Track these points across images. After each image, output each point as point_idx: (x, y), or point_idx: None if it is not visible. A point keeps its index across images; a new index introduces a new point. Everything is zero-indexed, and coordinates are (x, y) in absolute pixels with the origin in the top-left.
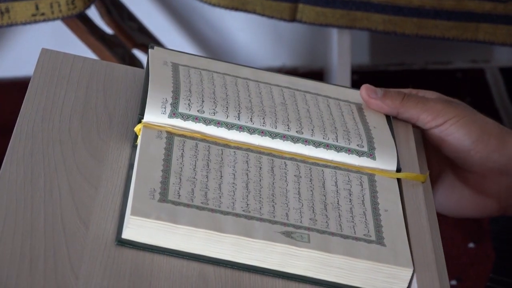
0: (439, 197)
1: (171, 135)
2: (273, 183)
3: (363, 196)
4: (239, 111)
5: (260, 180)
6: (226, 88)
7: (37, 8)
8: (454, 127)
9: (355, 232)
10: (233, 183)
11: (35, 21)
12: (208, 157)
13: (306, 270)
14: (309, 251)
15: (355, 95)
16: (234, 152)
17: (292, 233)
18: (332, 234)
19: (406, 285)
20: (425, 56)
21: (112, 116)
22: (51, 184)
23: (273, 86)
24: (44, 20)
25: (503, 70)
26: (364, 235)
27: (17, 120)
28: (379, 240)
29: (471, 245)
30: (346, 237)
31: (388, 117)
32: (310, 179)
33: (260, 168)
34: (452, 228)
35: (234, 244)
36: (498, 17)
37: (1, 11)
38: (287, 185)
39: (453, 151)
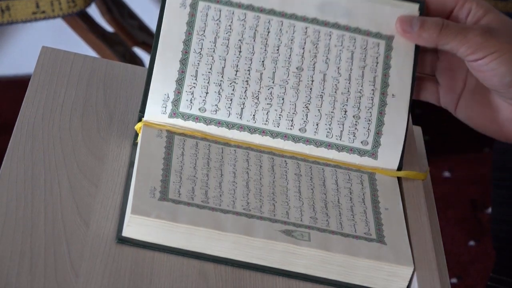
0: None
1: (171, 134)
2: (273, 182)
3: (363, 194)
4: (241, 111)
5: (260, 179)
6: (233, 88)
7: (37, 6)
8: (495, 62)
9: (355, 231)
10: (234, 181)
11: (36, 19)
12: (209, 156)
13: (307, 268)
14: (310, 250)
15: (391, 22)
16: (235, 150)
17: (292, 232)
18: (333, 232)
19: (407, 283)
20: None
21: (112, 114)
22: (51, 182)
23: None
24: (44, 18)
25: None
26: (364, 233)
27: (18, 118)
28: (380, 239)
29: (471, 243)
30: (346, 235)
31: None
32: (311, 177)
33: (261, 166)
34: (452, 226)
35: (234, 242)
36: None
37: (2, 9)
38: (288, 183)
39: (493, 85)
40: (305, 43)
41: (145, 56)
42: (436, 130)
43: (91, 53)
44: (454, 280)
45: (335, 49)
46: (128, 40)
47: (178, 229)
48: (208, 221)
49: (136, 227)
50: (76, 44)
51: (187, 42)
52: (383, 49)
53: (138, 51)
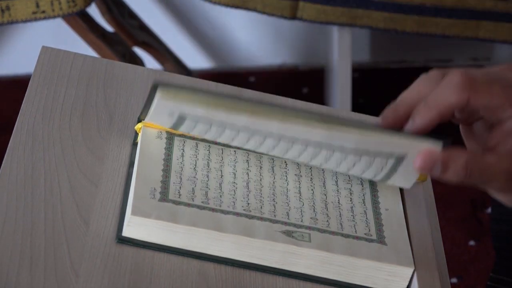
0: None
1: (171, 135)
2: (273, 182)
3: (363, 195)
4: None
5: (260, 180)
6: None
7: (37, 6)
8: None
9: (356, 231)
10: (234, 182)
11: (36, 19)
12: (209, 157)
13: (307, 268)
14: (310, 250)
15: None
16: (235, 151)
17: (293, 232)
18: (333, 233)
19: (407, 283)
20: (425, 54)
21: (112, 114)
22: (51, 182)
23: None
24: (44, 18)
25: None
26: (365, 234)
27: (18, 118)
28: (380, 239)
29: (471, 243)
30: (347, 236)
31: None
32: (311, 178)
33: (261, 167)
34: (452, 226)
35: (234, 243)
36: (499, 14)
37: (2, 8)
38: (288, 184)
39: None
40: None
41: (145, 56)
42: (436, 130)
43: (91, 53)
44: (454, 280)
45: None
46: (128, 40)
47: (178, 230)
48: (208, 221)
49: (136, 227)
50: (76, 44)
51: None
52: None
53: (138, 51)
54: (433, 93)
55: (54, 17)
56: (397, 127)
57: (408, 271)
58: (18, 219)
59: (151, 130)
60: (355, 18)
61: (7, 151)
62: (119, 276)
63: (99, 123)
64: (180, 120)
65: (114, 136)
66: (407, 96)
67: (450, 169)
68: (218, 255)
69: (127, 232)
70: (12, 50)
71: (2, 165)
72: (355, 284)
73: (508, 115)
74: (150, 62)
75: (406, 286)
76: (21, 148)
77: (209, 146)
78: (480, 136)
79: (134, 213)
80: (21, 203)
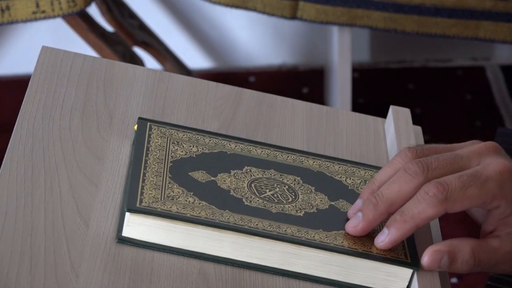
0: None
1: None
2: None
3: None
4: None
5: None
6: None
7: (37, 5)
8: None
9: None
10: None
11: (36, 19)
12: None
13: (307, 268)
14: (310, 250)
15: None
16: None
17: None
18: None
19: (406, 283)
20: (425, 53)
21: (112, 113)
22: (51, 182)
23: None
24: (44, 18)
25: (504, 67)
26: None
27: (18, 118)
28: None
29: None
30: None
31: None
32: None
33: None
34: (452, 226)
35: (234, 242)
36: (498, 14)
37: (2, 8)
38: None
39: None
40: None
41: (145, 56)
42: (436, 130)
43: (91, 52)
44: (454, 280)
45: None
46: (128, 39)
47: (177, 229)
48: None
49: (135, 227)
50: (76, 44)
51: None
52: None
53: (138, 51)
54: (409, 204)
55: (54, 17)
56: (376, 224)
57: (408, 271)
58: (18, 219)
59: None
60: (355, 18)
61: (7, 151)
62: (119, 276)
63: (99, 123)
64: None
65: (114, 136)
66: (381, 179)
67: (458, 260)
68: (217, 255)
69: (126, 231)
70: (12, 50)
71: (2, 165)
72: (354, 284)
73: (494, 206)
74: (150, 62)
75: (405, 286)
76: (21, 148)
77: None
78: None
79: (132, 212)
80: (21, 203)
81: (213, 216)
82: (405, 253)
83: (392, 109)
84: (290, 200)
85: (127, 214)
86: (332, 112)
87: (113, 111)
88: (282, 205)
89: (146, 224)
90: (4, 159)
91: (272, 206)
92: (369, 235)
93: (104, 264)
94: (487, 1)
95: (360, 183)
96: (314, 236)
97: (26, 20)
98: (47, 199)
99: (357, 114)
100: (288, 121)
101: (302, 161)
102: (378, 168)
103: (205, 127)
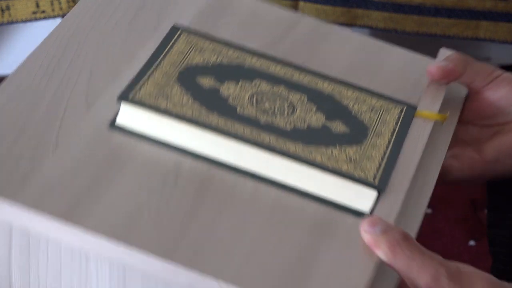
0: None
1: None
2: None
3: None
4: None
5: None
6: None
7: (37, 5)
8: None
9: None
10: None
11: (36, 19)
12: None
13: (276, 174)
14: (281, 158)
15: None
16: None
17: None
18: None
19: (371, 204)
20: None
21: (161, 21)
22: (75, 64)
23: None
24: (44, 18)
25: (504, 67)
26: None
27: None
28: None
29: (471, 243)
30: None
31: None
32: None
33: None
34: (452, 226)
35: (211, 142)
36: (499, 14)
37: (2, 8)
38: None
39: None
40: None
41: None
42: None
43: None
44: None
45: None
46: None
47: (162, 123)
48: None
49: (126, 116)
50: None
51: None
52: None
53: None
54: None
55: (54, 17)
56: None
57: (372, 193)
58: (29, 90)
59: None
60: (355, 18)
61: (45, 38)
62: (96, 156)
63: (145, 26)
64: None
65: (154, 42)
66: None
67: (389, 234)
68: (194, 151)
69: (118, 120)
70: (12, 50)
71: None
72: (322, 197)
73: None
74: None
75: (371, 206)
76: (58, 39)
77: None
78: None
79: (123, 100)
80: (37, 78)
81: (198, 116)
82: (375, 175)
83: (441, 52)
84: (285, 115)
85: (121, 103)
86: (383, 47)
87: (163, 19)
88: (273, 118)
89: (135, 114)
90: (49, 34)
91: (263, 117)
92: (341, 159)
93: (86, 142)
94: (487, 1)
95: (366, 110)
96: (289, 147)
97: (26, 20)
98: (65, 80)
99: (408, 52)
100: (335, 49)
101: (317, 83)
102: (396, 101)
103: (245, 44)
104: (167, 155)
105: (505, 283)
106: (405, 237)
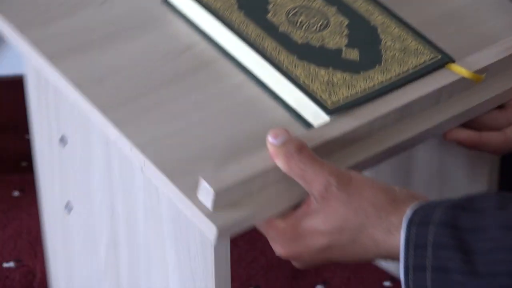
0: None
1: None
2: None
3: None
4: None
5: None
6: None
7: None
8: None
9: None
10: None
11: None
12: None
13: (267, 78)
14: (267, 65)
15: None
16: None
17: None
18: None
19: (319, 122)
20: None
21: None
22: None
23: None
24: None
25: None
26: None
27: None
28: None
29: None
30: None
31: None
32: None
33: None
34: None
35: (224, 34)
36: None
37: None
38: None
39: None
40: None
41: None
42: None
43: None
44: None
45: None
46: None
47: (195, 6)
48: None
49: None
50: None
51: None
52: None
53: None
54: None
55: None
56: None
57: (321, 113)
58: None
59: None
60: None
61: None
62: (136, 14)
63: None
64: None
65: None
66: None
67: (288, 144)
68: (210, 34)
69: None
70: (12, 50)
71: None
72: (291, 107)
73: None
74: None
75: (319, 124)
76: None
77: None
78: None
79: None
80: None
81: (225, 10)
82: (338, 101)
83: None
84: (310, 31)
85: None
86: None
87: None
88: (293, 30)
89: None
90: None
91: (284, 27)
92: (320, 79)
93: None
94: None
95: (397, 49)
96: (283, 59)
97: None
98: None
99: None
100: None
101: (372, 13)
102: (438, 49)
103: None
104: (188, 34)
105: (396, 189)
106: (300, 149)
